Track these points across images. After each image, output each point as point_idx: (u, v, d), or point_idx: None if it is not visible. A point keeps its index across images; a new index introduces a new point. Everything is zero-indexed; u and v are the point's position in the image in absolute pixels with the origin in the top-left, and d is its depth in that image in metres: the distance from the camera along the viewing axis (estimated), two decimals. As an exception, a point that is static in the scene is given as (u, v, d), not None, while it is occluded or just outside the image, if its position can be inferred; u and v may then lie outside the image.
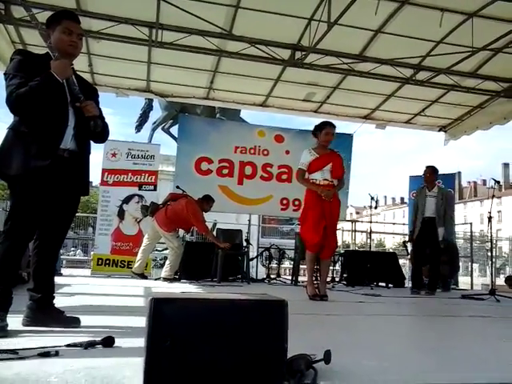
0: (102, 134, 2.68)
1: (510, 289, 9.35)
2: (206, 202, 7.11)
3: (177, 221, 6.78)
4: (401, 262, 6.98)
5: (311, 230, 4.86)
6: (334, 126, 5.07)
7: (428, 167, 6.71)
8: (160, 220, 6.79)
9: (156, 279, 7.18)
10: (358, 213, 57.94)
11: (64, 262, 11.70)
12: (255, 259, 8.70)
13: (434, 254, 6.42)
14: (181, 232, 7.34)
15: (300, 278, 7.90)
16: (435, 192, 6.52)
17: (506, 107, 8.37)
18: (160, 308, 1.49)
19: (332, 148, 8.83)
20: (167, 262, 6.85)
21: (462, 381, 1.67)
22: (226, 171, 8.55)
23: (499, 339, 3.00)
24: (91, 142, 2.72)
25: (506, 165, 64.42)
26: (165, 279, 6.64)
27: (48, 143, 2.41)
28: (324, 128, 5.00)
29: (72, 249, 20.72)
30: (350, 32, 6.70)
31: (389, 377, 1.70)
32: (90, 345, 1.89)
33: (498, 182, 6.95)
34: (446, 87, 8.14)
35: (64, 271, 8.23)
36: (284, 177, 8.82)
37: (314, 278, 4.98)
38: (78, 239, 18.54)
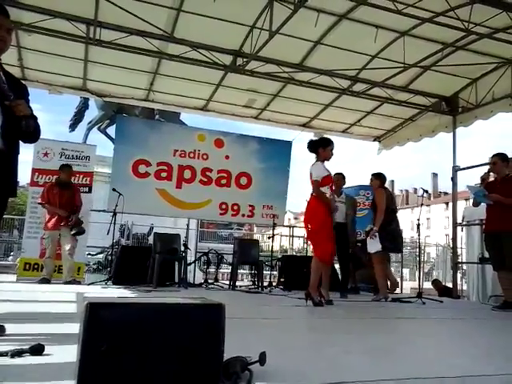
0: (33, 135, 2.56)
1: (435, 291, 9.96)
2: (61, 170, 7.02)
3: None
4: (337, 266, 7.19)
5: (327, 242, 4.98)
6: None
7: (337, 174, 6.79)
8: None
9: (89, 284, 6.93)
10: (296, 218, 59.01)
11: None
12: (193, 264, 8.62)
13: (344, 259, 6.78)
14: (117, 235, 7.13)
15: (238, 283, 7.94)
16: (343, 198, 6.79)
17: (434, 121, 8.91)
18: (96, 313, 1.45)
19: (272, 154, 9.13)
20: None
21: (388, 377, 1.77)
22: (164, 174, 8.42)
23: (420, 338, 3.20)
24: (20, 142, 2.59)
25: (435, 174, 68.29)
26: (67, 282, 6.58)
27: None
28: (330, 145, 5.14)
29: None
30: (290, 42, 6.86)
31: (323, 377, 1.76)
32: (17, 353, 1.80)
33: (427, 191, 7.38)
34: (380, 99, 8.55)
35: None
36: (223, 181, 8.82)
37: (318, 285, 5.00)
38: (2, 242, 17.41)
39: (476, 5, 5.61)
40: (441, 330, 3.85)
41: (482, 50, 7.02)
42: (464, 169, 8.30)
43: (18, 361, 1.76)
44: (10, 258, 16.99)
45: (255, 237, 18.20)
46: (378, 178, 6.51)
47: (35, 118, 2.54)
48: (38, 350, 1.85)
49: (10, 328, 2.37)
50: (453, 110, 8.50)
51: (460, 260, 9.16)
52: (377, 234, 6.08)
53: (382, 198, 6.29)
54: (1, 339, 2.22)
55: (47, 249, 6.87)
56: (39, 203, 6.94)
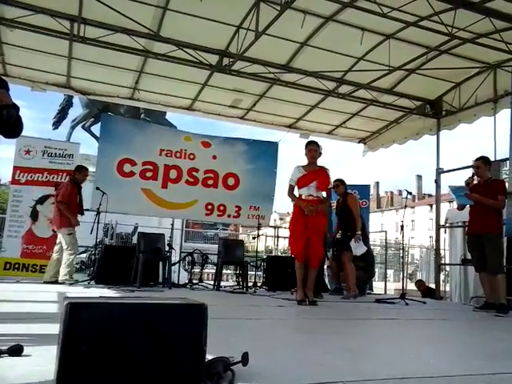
0: (15, 125, 2.49)
1: (418, 291, 10.07)
2: (78, 172, 6.90)
3: (58, 211, 6.60)
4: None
5: (293, 241, 5.37)
6: (315, 143, 5.52)
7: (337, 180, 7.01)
8: (52, 220, 6.70)
9: (71, 284, 6.83)
10: (281, 219, 59.14)
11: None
12: (177, 264, 8.58)
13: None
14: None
15: (222, 283, 7.91)
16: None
17: (418, 124, 9.02)
18: (76, 313, 1.44)
19: (259, 155, 9.14)
20: (62, 262, 6.50)
21: (368, 377, 1.78)
22: (149, 174, 8.35)
23: (402, 339, 3.23)
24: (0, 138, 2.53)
25: (419, 177, 68.95)
26: (62, 282, 6.34)
27: None
28: (307, 147, 5.46)
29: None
30: (277, 42, 6.88)
31: (305, 377, 1.76)
32: (-6, 354, 1.77)
33: (411, 193, 7.51)
34: (365, 101, 8.61)
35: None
36: (210, 182, 8.79)
37: (301, 284, 5.21)
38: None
39: (460, 10, 5.68)
40: (423, 331, 3.89)
41: (465, 55, 7.12)
42: (447, 171, 8.40)
43: (-5, 362, 1.72)
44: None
45: (240, 237, 18.18)
46: (343, 184, 6.70)
47: (17, 109, 2.46)
48: (16, 350, 1.82)
49: (-12, 328, 2.33)
50: (437, 113, 8.61)
51: (443, 261, 9.27)
52: (361, 237, 6.40)
53: (356, 203, 6.80)
54: (-22, 340, 2.17)
55: (73, 245, 6.60)
56: (59, 201, 6.56)
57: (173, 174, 8.50)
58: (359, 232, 6.41)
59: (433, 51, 7.06)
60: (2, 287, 5.92)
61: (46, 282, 6.58)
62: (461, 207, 5.99)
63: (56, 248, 6.70)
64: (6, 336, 2.32)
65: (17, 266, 7.35)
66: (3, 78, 2.67)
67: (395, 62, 7.11)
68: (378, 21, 6.05)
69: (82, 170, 6.90)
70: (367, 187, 11.06)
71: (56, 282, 6.52)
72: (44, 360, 1.70)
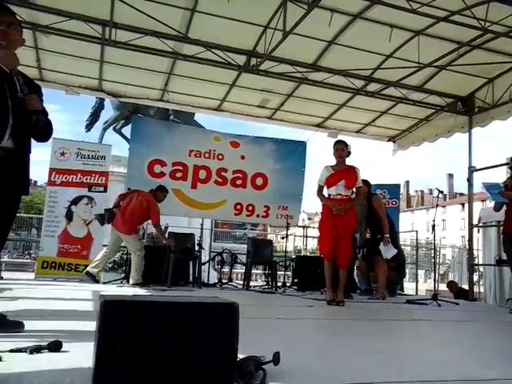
0: (44, 131, 2.59)
1: (450, 293, 9.86)
2: (160, 191, 7.04)
3: (134, 220, 6.66)
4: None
5: (321, 240, 5.47)
6: (342, 142, 5.52)
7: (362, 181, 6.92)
8: (118, 224, 6.66)
9: (105, 283, 7.00)
10: (309, 219, 58.87)
11: (4, 264, 11.14)
12: (207, 263, 8.66)
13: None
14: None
15: (251, 283, 7.95)
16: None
17: (450, 121, 8.81)
18: (111, 311, 1.48)
19: (287, 154, 9.14)
20: (132, 267, 6.66)
21: (402, 379, 1.77)
22: (179, 174, 8.47)
23: (435, 340, 3.17)
24: (32, 141, 2.63)
25: (450, 175, 67.49)
26: (134, 285, 6.46)
27: None
28: (334, 146, 5.46)
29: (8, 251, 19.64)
30: (304, 41, 6.85)
31: (335, 378, 1.76)
32: (35, 350, 1.84)
33: (442, 192, 7.32)
34: (394, 99, 8.48)
35: (4, 274, 7.85)
36: (238, 182, 8.84)
37: (330, 284, 5.24)
38: (20, 241, 17.69)
39: (493, 3, 5.53)
40: (456, 333, 3.82)
41: (498, 49, 6.91)
42: (480, 169, 8.19)
43: (36, 357, 1.79)
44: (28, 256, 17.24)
45: (269, 237, 18.20)
46: (367, 184, 6.60)
47: (46, 114, 2.57)
48: (56, 346, 1.89)
49: (28, 325, 2.42)
50: (469, 110, 8.39)
51: (476, 262, 9.04)
52: (389, 239, 6.35)
53: (381, 205, 6.71)
54: (20, 335, 2.27)
55: (142, 249, 6.70)
56: (155, 225, 6.83)
57: (202, 174, 8.60)
58: (387, 235, 6.35)
59: (464, 46, 6.88)
60: (39, 285, 6.13)
61: (87, 273, 6.73)
62: (497, 208, 5.81)
63: (107, 248, 6.92)
64: (45, 332, 2.41)
65: (53, 264, 7.57)
66: (36, 82, 2.77)
67: (425, 58, 6.97)
68: (408, 17, 5.94)
69: (163, 191, 7.10)
70: (397, 186, 10.88)
71: (94, 279, 6.71)
72: (81, 356, 1.75)
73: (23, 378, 1.49)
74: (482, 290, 9.81)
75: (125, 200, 6.80)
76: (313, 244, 16.81)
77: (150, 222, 7.28)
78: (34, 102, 2.43)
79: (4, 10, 2.56)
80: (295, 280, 8.28)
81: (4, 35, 2.47)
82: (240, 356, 1.61)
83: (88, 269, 6.78)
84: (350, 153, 5.46)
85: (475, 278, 8.89)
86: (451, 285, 10.45)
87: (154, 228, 7.05)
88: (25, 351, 1.82)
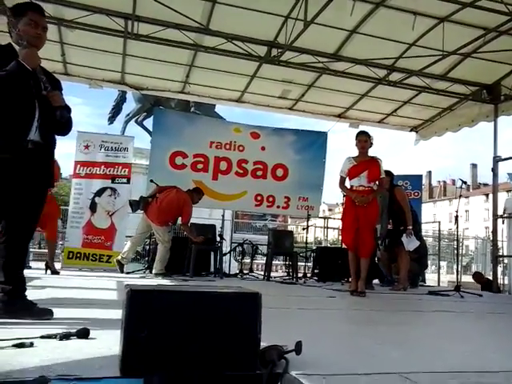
0: (65, 126, 2.67)
1: (477, 284, 9.70)
2: (197, 193, 7.17)
3: (168, 213, 6.75)
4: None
5: (344, 232, 5.61)
6: (365, 133, 5.48)
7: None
8: (152, 213, 6.72)
9: (128, 273, 7.13)
10: (330, 210, 58.54)
11: (32, 254, 11.45)
12: (228, 254, 8.73)
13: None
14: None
15: (272, 274, 7.98)
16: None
17: (474, 110, 8.63)
18: (137, 299, 1.52)
19: (308, 145, 9.10)
20: (157, 257, 6.76)
21: (424, 369, 1.77)
22: (200, 166, 8.54)
23: (458, 331, 3.15)
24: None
25: (474, 165, 66.11)
26: (157, 275, 6.56)
27: (15, 135, 2.41)
28: (357, 137, 5.42)
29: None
30: (325, 31, 6.78)
31: (357, 367, 1.78)
32: (64, 336, 1.90)
33: (465, 183, 7.18)
34: (417, 89, 8.34)
35: (32, 264, 8.08)
36: (259, 173, 8.86)
37: (354, 275, 5.25)
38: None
39: (521, -12, 5.38)
40: (479, 324, 3.78)
41: (527, 35, 6.73)
42: (506, 159, 8.02)
43: (65, 343, 1.86)
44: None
45: (289, 228, 18.23)
46: (389, 175, 6.45)
47: (69, 110, 2.65)
48: (84, 333, 1.95)
49: (57, 312, 2.50)
50: (494, 98, 8.20)
51: (501, 253, 8.89)
52: (412, 232, 6.30)
53: (404, 197, 6.61)
54: (49, 322, 2.35)
55: (170, 241, 6.77)
56: (184, 224, 6.93)
57: (223, 165, 8.65)
58: (410, 227, 6.29)
59: (491, 33, 6.69)
60: (66, 275, 6.29)
61: (118, 262, 6.86)
62: None
63: (134, 238, 7.05)
64: (73, 320, 2.49)
65: (78, 255, 7.75)
66: (56, 76, 2.85)
67: (449, 46, 6.82)
68: (431, 3, 5.84)
69: (200, 193, 7.27)
70: (419, 177, 10.73)
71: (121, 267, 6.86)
72: (108, 343, 1.81)
73: (54, 363, 1.55)
74: (506, 281, 9.63)
75: (162, 193, 6.87)
76: (333, 235, 16.76)
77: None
78: (57, 98, 2.51)
79: (42, 13, 2.63)
80: (315, 271, 8.29)
81: (40, 40, 2.57)
82: (263, 345, 1.63)
83: (119, 258, 6.92)
84: (372, 144, 5.41)
85: (500, 269, 8.73)
86: (477, 276, 10.27)
87: (183, 226, 7.13)
88: (55, 337, 1.89)
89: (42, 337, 1.88)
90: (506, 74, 7.92)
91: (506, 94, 7.99)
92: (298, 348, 1.73)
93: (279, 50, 7.13)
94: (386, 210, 6.65)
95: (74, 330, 1.96)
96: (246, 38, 7.02)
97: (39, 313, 2.45)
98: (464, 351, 2.32)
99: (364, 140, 5.34)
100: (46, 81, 2.50)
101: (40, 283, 4.71)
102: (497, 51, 7.00)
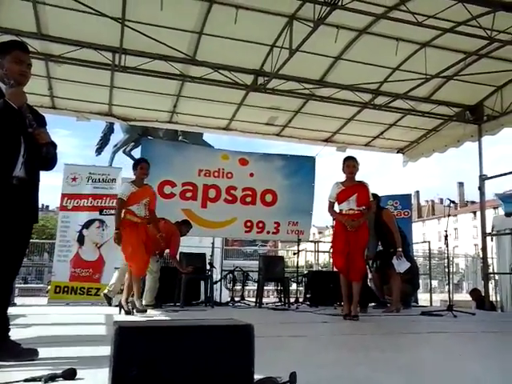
0: (50, 162, 2.69)
1: (470, 301, 9.63)
2: (186, 225, 7.19)
3: (156, 244, 6.65)
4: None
5: (335, 256, 5.61)
6: (353, 159, 5.50)
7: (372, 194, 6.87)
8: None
9: (116, 306, 6.96)
10: (320, 232, 58.48)
11: (16, 290, 11.19)
12: (219, 282, 8.61)
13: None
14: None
15: (264, 300, 7.87)
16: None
17: (459, 131, 8.77)
18: (125, 337, 1.47)
19: (296, 170, 9.13)
20: (146, 287, 6.61)
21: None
22: (189, 194, 8.50)
23: (454, 353, 3.10)
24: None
25: (460, 184, 66.97)
26: (147, 306, 6.41)
27: (0, 171, 2.39)
28: (344, 162, 5.46)
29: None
30: (311, 58, 6.90)
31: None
32: (50, 378, 1.83)
33: (454, 202, 7.21)
34: (402, 111, 8.47)
35: (17, 300, 7.85)
36: (248, 199, 8.84)
37: (346, 299, 5.22)
38: (33, 266, 17.73)
39: (499, 12, 5.54)
40: (474, 345, 3.72)
41: (506, 57, 6.90)
42: (491, 177, 8.11)
43: (51, 386, 1.78)
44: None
45: (280, 253, 18.13)
46: (375, 198, 6.45)
47: (55, 146, 2.68)
48: (70, 374, 1.88)
49: (42, 352, 2.41)
50: (477, 118, 8.35)
51: (491, 270, 8.91)
52: (402, 254, 6.27)
53: (391, 218, 6.63)
54: (34, 363, 2.25)
55: (159, 272, 6.56)
56: (172, 257, 6.88)
57: (212, 193, 8.62)
58: (400, 249, 6.28)
59: (471, 56, 6.88)
60: (52, 311, 6.13)
61: (105, 295, 6.58)
62: (509, 214, 5.75)
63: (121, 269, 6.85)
64: (60, 359, 2.40)
65: (66, 289, 7.57)
66: (43, 111, 2.87)
67: (432, 69, 6.98)
68: (413, 30, 5.97)
69: (188, 225, 7.30)
70: (408, 197, 10.77)
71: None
72: (97, 383, 1.73)
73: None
74: (499, 298, 9.61)
75: (150, 224, 6.80)
76: (324, 258, 16.67)
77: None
78: (43, 135, 2.54)
79: (27, 50, 2.67)
80: (307, 295, 8.20)
81: (24, 77, 2.60)
82: (257, 377, 1.58)
83: (105, 292, 6.76)
84: (358, 169, 5.45)
85: (491, 286, 8.73)
86: (476, 292, 10.13)
87: (171, 258, 7.08)
88: (39, 380, 1.81)
89: (26, 380, 1.81)
90: (488, 95, 8.10)
91: (489, 115, 8.15)
92: (293, 379, 1.69)
93: (265, 78, 7.22)
94: (373, 232, 6.65)
95: (60, 371, 1.88)
96: (233, 68, 7.11)
97: (23, 354, 2.35)
98: (462, 374, 2.27)
99: (352, 165, 5.38)
100: (31, 118, 2.52)
101: (25, 321, 4.55)
102: (478, 73, 7.18)
